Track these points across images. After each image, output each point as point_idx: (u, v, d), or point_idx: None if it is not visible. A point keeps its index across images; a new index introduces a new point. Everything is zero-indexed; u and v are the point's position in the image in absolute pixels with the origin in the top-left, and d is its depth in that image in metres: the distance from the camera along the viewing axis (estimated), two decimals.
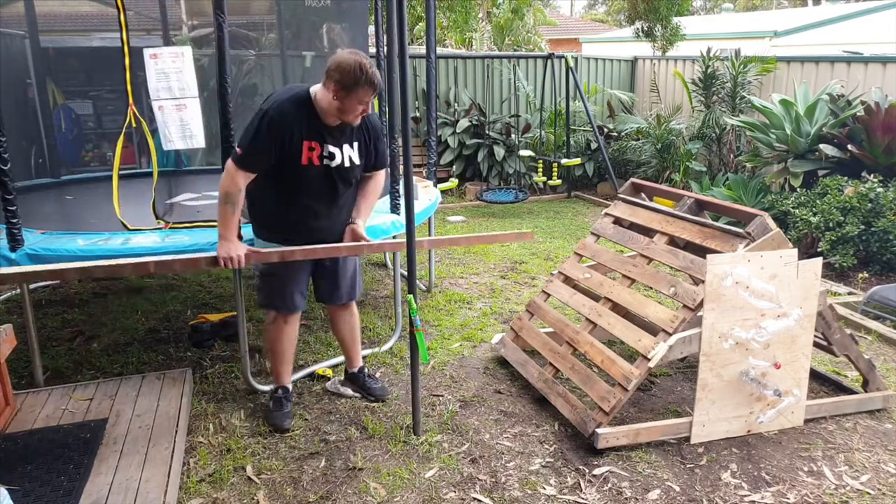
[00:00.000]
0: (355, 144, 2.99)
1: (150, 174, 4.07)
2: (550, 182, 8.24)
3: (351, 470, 2.86)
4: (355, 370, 3.47)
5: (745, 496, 2.71)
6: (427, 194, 4.52)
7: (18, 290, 3.62)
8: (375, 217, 3.83)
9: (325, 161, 2.92)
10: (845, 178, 5.56)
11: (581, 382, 3.21)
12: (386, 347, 4.03)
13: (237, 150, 2.84)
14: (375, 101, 5.02)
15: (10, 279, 2.89)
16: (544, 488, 2.76)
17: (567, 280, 3.78)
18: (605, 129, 9.13)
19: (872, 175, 5.40)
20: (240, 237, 3.02)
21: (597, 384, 3.12)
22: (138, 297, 4.91)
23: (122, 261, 2.92)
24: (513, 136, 8.93)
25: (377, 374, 3.62)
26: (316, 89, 2.85)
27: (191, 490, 2.73)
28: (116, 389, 3.29)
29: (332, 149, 2.92)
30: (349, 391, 3.48)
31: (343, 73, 2.73)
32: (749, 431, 3.12)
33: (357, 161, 3.02)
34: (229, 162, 2.87)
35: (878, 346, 4.13)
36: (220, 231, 2.92)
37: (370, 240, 3.22)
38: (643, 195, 3.90)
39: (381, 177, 3.22)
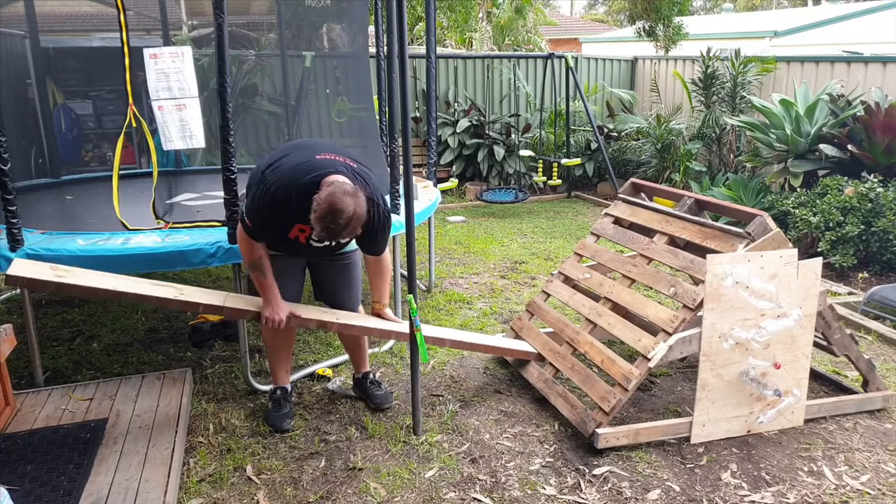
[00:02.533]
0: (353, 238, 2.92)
1: (150, 174, 4.08)
2: (550, 182, 8.24)
3: (351, 470, 2.86)
4: (360, 375, 3.46)
5: (745, 496, 2.71)
6: (427, 194, 4.52)
7: (18, 290, 3.62)
8: None
9: (313, 243, 2.91)
10: (845, 178, 5.56)
11: (581, 382, 3.21)
12: (386, 347, 4.03)
13: (246, 220, 2.84)
14: (375, 102, 5.04)
15: (43, 286, 2.84)
16: (544, 488, 2.76)
17: (567, 280, 3.78)
18: (605, 129, 9.13)
19: (872, 175, 5.40)
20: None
21: (597, 384, 3.12)
22: None
23: (170, 294, 2.95)
24: (513, 136, 8.93)
25: (377, 374, 3.62)
26: (327, 181, 2.70)
27: (191, 490, 2.73)
28: (116, 389, 3.29)
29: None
30: (351, 392, 3.48)
31: (315, 208, 2.60)
32: (749, 431, 3.12)
33: (353, 246, 3.04)
34: (240, 230, 2.89)
35: (878, 346, 4.13)
36: (261, 295, 2.98)
37: (398, 320, 3.29)
38: (643, 195, 3.90)
39: (385, 261, 3.14)
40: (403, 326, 3.21)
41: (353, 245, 3.09)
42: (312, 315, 3.08)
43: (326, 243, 2.92)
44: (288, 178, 2.74)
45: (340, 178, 2.69)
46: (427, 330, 3.32)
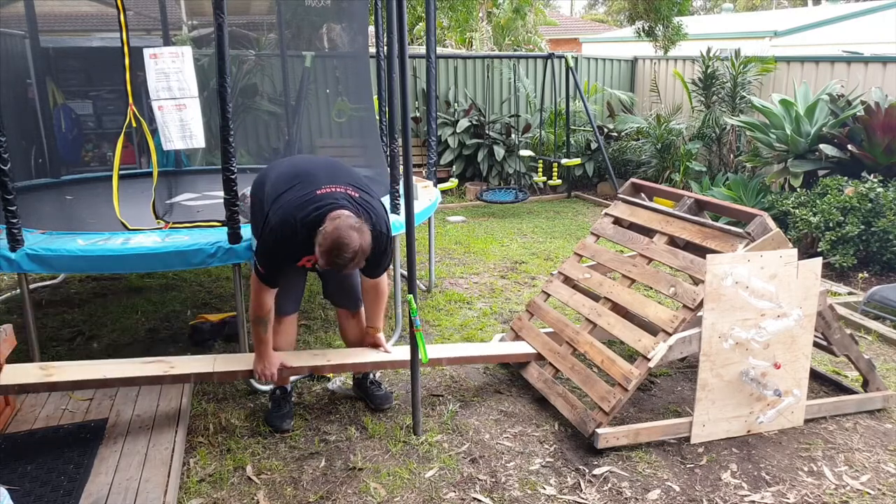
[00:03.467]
0: None
1: (150, 174, 4.07)
2: (550, 182, 8.24)
3: (351, 470, 2.86)
4: (360, 376, 3.46)
5: (745, 496, 2.71)
6: (427, 194, 4.52)
7: (18, 290, 3.62)
8: None
9: (319, 268, 2.95)
10: (845, 178, 5.56)
11: (581, 382, 3.21)
12: None
13: (259, 268, 2.85)
14: (375, 102, 5.04)
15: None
16: (544, 488, 2.76)
17: (567, 280, 3.78)
18: (605, 129, 9.13)
19: (872, 175, 5.40)
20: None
21: (597, 384, 3.12)
22: (138, 297, 4.91)
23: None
24: (513, 136, 8.93)
25: (377, 375, 3.62)
26: (330, 218, 2.72)
27: (191, 490, 2.73)
28: (116, 389, 3.29)
29: None
30: (351, 392, 3.48)
31: (321, 241, 2.64)
32: (749, 431, 3.12)
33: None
34: (255, 280, 2.89)
35: (878, 346, 4.13)
36: (255, 347, 3.04)
37: (389, 350, 3.33)
38: (643, 195, 3.90)
39: (382, 284, 3.17)
40: (400, 354, 3.28)
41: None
42: (303, 363, 3.18)
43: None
44: (291, 215, 2.76)
45: (345, 212, 2.71)
46: (440, 351, 3.39)
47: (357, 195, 2.85)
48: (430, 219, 4.76)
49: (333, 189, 2.82)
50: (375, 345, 3.32)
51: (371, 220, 2.80)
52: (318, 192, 2.80)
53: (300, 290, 3.23)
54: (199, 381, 3.10)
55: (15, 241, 3.15)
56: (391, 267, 3.93)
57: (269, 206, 2.87)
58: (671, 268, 3.31)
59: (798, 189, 5.93)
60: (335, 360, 3.23)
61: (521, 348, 3.62)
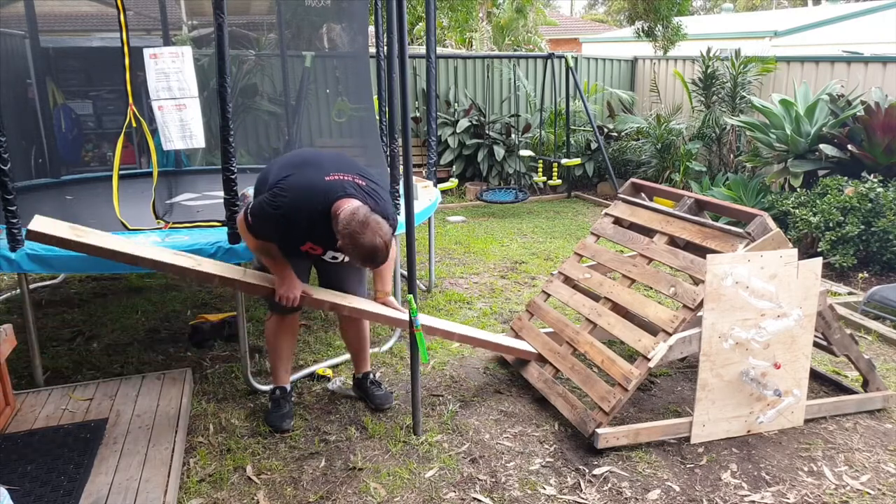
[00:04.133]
0: None
1: (150, 174, 4.08)
2: (550, 182, 8.24)
3: (351, 470, 2.86)
4: (360, 375, 3.46)
5: (745, 496, 2.71)
6: (427, 194, 4.52)
7: (18, 290, 3.62)
8: None
9: (326, 257, 2.97)
10: (845, 178, 5.56)
11: (581, 382, 3.21)
12: (386, 347, 4.03)
13: (249, 218, 2.85)
14: (375, 102, 5.04)
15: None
16: (544, 488, 2.76)
17: (567, 280, 3.78)
18: (605, 129, 9.13)
19: (872, 175, 5.40)
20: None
21: (597, 384, 3.12)
22: (138, 297, 4.91)
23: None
24: (513, 136, 8.93)
25: (377, 375, 3.62)
26: (341, 208, 2.71)
27: (191, 490, 2.73)
28: (116, 389, 3.29)
29: (334, 254, 2.94)
30: (351, 392, 3.48)
31: (353, 241, 2.63)
32: (749, 431, 3.12)
33: None
34: (241, 220, 2.91)
35: (878, 346, 4.13)
36: (274, 273, 2.99)
37: (403, 309, 3.25)
38: (643, 195, 3.90)
39: (388, 263, 3.09)
40: (432, 321, 3.27)
41: None
42: (324, 297, 3.08)
43: (339, 260, 2.99)
44: (300, 199, 2.74)
45: (362, 207, 2.69)
46: (437, 322, 3.33)
47: (364, 184, 2.86)
48: (430, 219, 4.76)
49: (341, 177, 2.82)
50: (388, 305, 3.25)
51: (379, 206, 2.80)
52: (327, 178, 2.79)
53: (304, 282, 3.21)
54: (223, 284, 2.98)
55: (15, 241, 3.15)
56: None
57: (276, 184, 2.83)
58: (671, 268, 3.31)
59: (798, 189, 5.93)
60: (355, 303, 3.13)
61: (524, 346, 3.62)
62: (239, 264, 3.36)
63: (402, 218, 3.53)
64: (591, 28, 27.67)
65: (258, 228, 2.85)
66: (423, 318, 3.24)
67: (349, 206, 2.68)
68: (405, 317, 3.18)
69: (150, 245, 3.01)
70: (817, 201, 5.47)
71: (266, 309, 3.28)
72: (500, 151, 8.76)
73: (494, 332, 4.21)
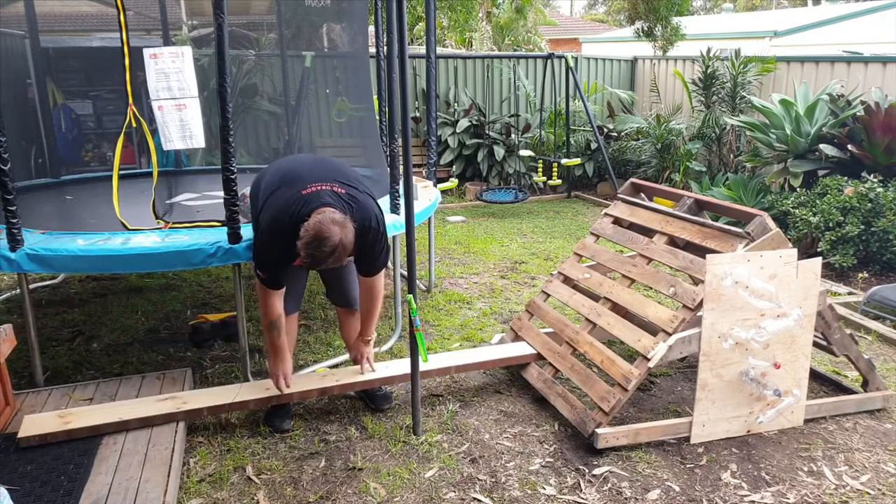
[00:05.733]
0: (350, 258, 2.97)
1: (150, 174, 4.07)
2: (550, 182, 8.23)
3: (351, 470, 2.86)
4: None
5: (745, 496, 2.71)
6: (427, 194, 4.52)
7: (18, 290, 3.62)
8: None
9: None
10: (845, 178, 5.56)
11: (581, 382, 3.21)
12: (386, 347, 4.03)
13: (260, 274, 2.91)
14: (375, 102, 5.04)
15: None
16: (544, 488, 2.76)
17: (567, 280, 3.78)
18: (605, 129, 9.13)
19: (872, 175, 5.40)
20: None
21: (596, 384, 3.12)
22: (138, 297, 4.91)
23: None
24: (513, 136, 8.93)
25: None
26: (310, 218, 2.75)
27: (191, 490, 2.73)
28: (116, 389, 3.29)
29: None
30: (351, 392, 3.47)
31: (304, 240, 2.67)
32: (749, 431, 3.12)
33: (350, 262, 3.05)
34: (259, 286, 2.95)
35: (878, 346, 4.13)
36: (270, 353, 3.12)
37: (374, 370, 3.31)
38: (643, 195, 3.90)
39: (378, 287, 3.13)
40: (402, 366, 3.31)
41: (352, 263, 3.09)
42: (312, 385, 3.22)
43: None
44: (278, 217, 2.81)
45: (329, 208, 2.74)
46: (433, 360, 3.39)
47: (343, 191, 2.88)
48: (430, 219, 4.76)
49: (319, 188, 2.84)
50: (357, 361, 3.32)
51: (354, 214, 2.82)
52: (304, 192, 2.83)
53: (301, 289, 3.25)
54: (212, 413, 3.12)
55: (15, 241, 3.14)
56: (390, 268, 3.94)
57: (259, 211, 2.93)
58: (671, 268, 3.31)
59: (798, 189, 5.93)
60: (344, 380, 3.26)
61: (521, 349, 3.62)
62: (238, 265, 3.37)
63: (402, 218, 3.53)
64: (591, 28, 27.66)
65: (269, 275, 2.90)
66: (433, 361, 3.34)
67: (313, 218, 2.70)
68: (399, 369, 3.32)
69: (133, 404, 3.09)
70: (817, 201, 5.47)
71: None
72: (500, 151, 8.76)
73: (494, 333, 4.22)
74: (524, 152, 8.44)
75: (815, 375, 3.60)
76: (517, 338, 3.77)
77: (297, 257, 2.86)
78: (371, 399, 3.37)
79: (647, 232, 3.57)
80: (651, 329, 3.16)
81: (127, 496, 2.47)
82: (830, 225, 5.27)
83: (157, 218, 3.55)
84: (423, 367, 3.14)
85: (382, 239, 2.99)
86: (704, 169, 7.82)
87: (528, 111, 9.36)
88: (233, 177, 3.20)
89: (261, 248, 2.90)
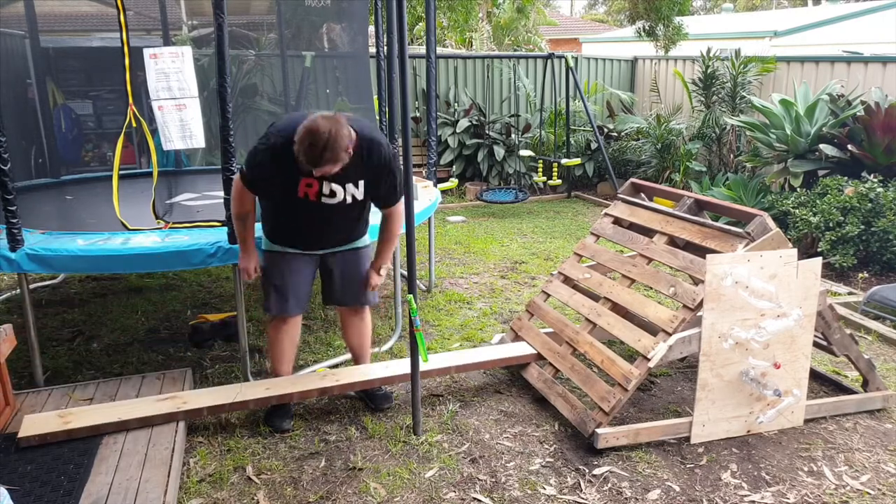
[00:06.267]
0: (361, 183, 2.96)
1: (150, 174, 4.07)
2: (550, 182, 8.23)
3: (351, 470, 2.86)
4: None
5: (745, 496, 2.71)
6: (427, 194, 4.52)
7: (18, 290, 3.62)
8: (375, 216, 3.83)
9: (324, 199, 2.94)
10: (845, 178, 5.56)
11: (581, 382, 3.21)
12: (386, 347, 4.03)
13: (244, 172, 2.92)
14: (375, 101, 5.04)
15: None
16: (544, 488, 2.76)
17: (567, 280, 3.78)
18: (605, 129, 9.13)
19: (872, 175, 5.40)
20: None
21: (597, 384, 3.12)
22: (138, 297, 4.91)
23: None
24: (513, 136, 8.92)
25: None
26: None
27: (191, 490, 2.73)
28: (116, 389, 3.29)
29: (333, 187, 2.92)
30: (351, 392, 3.47)
31: (297, 140, 2.67)
32: (749, 431, 3.12)
33: (360, 198, 3.01)
34: (236, 181, 2.96)
35: (878, 346, 4.13)
36: (239, 243, 3.13)
37: (378, 283, 3.27)
38: (643, 195, 3.90)
39: (398, 215, 3.12)
40: (402, 366, 3.31)
41: (363, 196, 3.01)
42: (312, 385, 3.22)
43: (339, 198, 2.94)
44: (285, 129, 2.81)
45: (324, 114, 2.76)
46: (433, 360, 3.38)
47: (350, 115, 2.91)
48: (430, 219, 4.76)
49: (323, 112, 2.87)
50: (367, 280, 3.24)
51: (355, 125, 2.84)
52: (308, 112, 2.85)
53: (307, 290, 3.21)
54: (212, 413, 3.11)
55: (15, 241, 3.14)
56: (390, 268, 3.94)
57: (269, 128, 2.94)
58: (671, 268, 3.31)
59: (798, 189, 5.93)
60: (344, 379, 3.26)
61: (521, 349, 3.62)
62: (237, 265, 3.37)
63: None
64: (591, 28, 27.66)
65: (252, 173, 2.91)
66: (433, 361, 3.32)
67: (305, 121, 2.70)
68: (399, 368, 3.31)
69: (132, 404, 3.09)
70: (817, 201, 5.47)
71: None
72: (500, 151, 8.76)
73: (494, 333, 4.22)
74: (524, 152, 8.44)
75: (815, 375, 3.60)
76: (517, 338, 3.77)
77: (301, 179, 2.85)
78: (371, 399, 3.37)
79: (647, 232, 3.57)
80: (651, 329, 3.16)
81: (127, 496, 2.47)
82: (830, 225, 5.26)
83: (157, 218, 3.55)
84: (423, 367, 3.14)
85: (393, 160, 2.99)
86: (704, 169, 7.82)
87: (528, 111, 9.36)
88: (233, 177, 3.19)
89: (262, 155, 2.86)
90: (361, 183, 2.96)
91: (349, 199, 2.97)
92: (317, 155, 2.65)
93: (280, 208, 3.02)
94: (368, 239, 3.29)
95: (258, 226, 3.19)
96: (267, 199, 3.04)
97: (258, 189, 2.96)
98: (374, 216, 3.23)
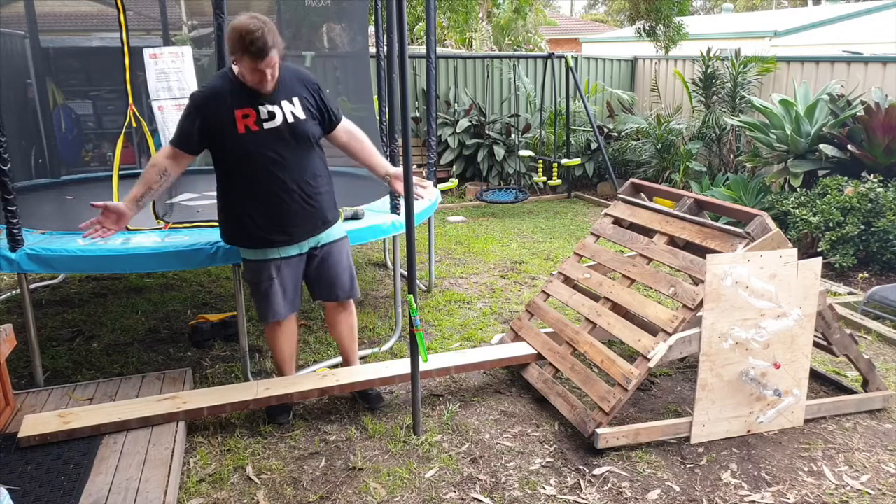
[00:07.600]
0: (295, 100, 2.92)
1: None
2: (550, 182, 8.23)
3: (351, 470, 2.86)
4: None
5: (745, 496, 2.71)
6: (427, 194, 4.51)
7: (18, 290, 3.62)
8: (375, 217, 3.84)
9: (265, 124, 2.85)
10: (845, 178, 5.56)
11: (581, 382, 3.21)
12: (386, 347, 4.03)
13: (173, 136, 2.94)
14: (375, 101, 5.04)
15: None
16: (544, 488, 2.76)
17: (567, 280, 3.78)
18: (605, 129, 9.13)
19: (872, 175, 5.40)
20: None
21: (597, 384, 3.12)
22: (138, 297, 4.91)
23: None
24: (513, 136, 8.92)
25: None
26: None
27: (191, 490, 2.73)
28: (116, 389, 3.29)
29: (269, 108, 2.85)
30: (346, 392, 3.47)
31: (230, 41, 2.69)
32: (749, 431, 3.12)
33: (302, 115, 2.92)
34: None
35: (878, 346, 4.13)
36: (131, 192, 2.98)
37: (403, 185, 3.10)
38: (643, 195, 3.90)
39: (352, 126, 3.14)
40: (402, 366, 3.30)
41: (304, 114, 2.94)
42: (312, 385, 3.21)
43: (280, 120, 2.86)
44: (204, 85, 2.89)
45: None
46: (433, 360, 3.38)
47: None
48: (430, 219, 4.76)
49: None
50: (398, 179, 3.18)
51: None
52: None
53: (295, 291, 3.17)
54: (212, 413, 3.10)
55: (15, 241, 3.15)
56: (390, 267, 3.93)
57: None
58: (671, 268, 3.31)
59: (798, 189, 5.93)
60: (344, 379, 3.26)
61: (521, 349, 3.62)
62: (238, 265, 3.37)
63: (402, 218, 3.53)
64: (591, 28, 27.67)
65: (179, 132, 2.89)
66: (432, 361, 3.33)
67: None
68: (401, 364, 3.29)
69: (133, 403, 3.09)
70: (817, 201, 5.47)
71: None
72: (500, 151, 8.76)
73: (494, 333, 4.22)
74: (524, 152, 8.44)
75: (815, 375, 3.60)
76: (517, 338, 3.77)
77: (235, 110, 2.81)
78: (364, 398, 3.37)
79: (647, 232, 3.58)
80: (651, 329, 3.16)
81: (127, 496, 2.47)
82: (830, 225, 5.26)
83: (157, 218, 3.55)
84: (423, 367, 3.14)
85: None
86: (704, 169, 7.82)
87: (528, 111, 9.36)
88: None
89: (188, 105, 2.86)
90: (296, 100, 2.92)
91: (290, 118, 2.89)
92: (262, 43, 2.63)
93: (232, 171, 2.91)
94: (343, 230, 3.24)
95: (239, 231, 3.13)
96: (211, 151, 2.91)
97: (193, 142, 2.85)
98: (374, 216, 3.23)
